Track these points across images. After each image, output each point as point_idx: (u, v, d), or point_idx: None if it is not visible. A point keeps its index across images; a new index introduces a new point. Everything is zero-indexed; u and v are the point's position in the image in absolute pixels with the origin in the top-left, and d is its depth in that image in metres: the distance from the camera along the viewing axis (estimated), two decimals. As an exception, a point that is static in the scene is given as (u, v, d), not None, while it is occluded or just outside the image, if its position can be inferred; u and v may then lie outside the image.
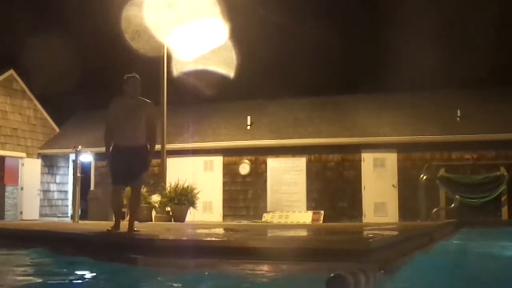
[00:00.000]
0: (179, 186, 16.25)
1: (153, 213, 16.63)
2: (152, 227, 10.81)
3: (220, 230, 9.37)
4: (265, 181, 20.37)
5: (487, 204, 17.97)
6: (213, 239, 6.41)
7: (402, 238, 7.36)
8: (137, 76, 8.39)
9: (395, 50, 26.33)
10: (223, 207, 20.60)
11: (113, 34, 23.53)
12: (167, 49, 17.84)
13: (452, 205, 16.77)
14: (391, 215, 18.92)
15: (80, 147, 15.23)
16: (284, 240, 6.29)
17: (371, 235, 6.97)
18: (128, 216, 8.55)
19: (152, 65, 18.22)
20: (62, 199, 23.71)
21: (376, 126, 19.98)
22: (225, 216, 20.48)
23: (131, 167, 8.12)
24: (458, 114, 19.68)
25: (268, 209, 20.00)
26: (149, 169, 8.69)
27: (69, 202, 22.93)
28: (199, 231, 8.83)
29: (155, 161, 19.39)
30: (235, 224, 15.24)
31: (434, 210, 16.01)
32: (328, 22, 26.45)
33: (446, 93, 21.54)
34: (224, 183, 20.74)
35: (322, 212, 19.21)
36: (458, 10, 28.54)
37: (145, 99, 8.40)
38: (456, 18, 28.95)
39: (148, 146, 8.29)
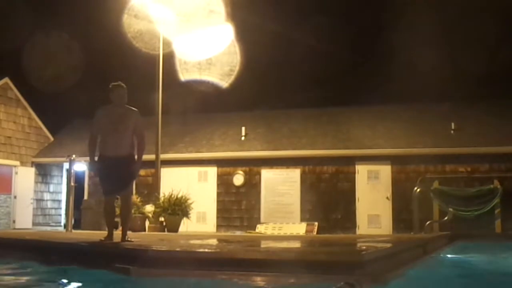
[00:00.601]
0: (173, 196, 16.21)
1: (147, 223, 16.59)
2: (145, 237, 10.77)
3: (213, 241, 9.36)
4: (259, 192, 20.35)
5: (480, 217, 17.98)
6: (206, 250, 6.39)
7: (396, 250, 7.35)
8: (123, 85, 8.34)
9: (390, 62, 26.45)
10: (217, 217, 20.56)
11: (109, 42, 23.59)
12: (163, 59, 17.83)
13: (446, 217, 16.77)
14: (385, 227, 18.93)
15: (74, 156, 15.19)
16: (277, 252, 6.28)
17: (364, 247, 6.97)
18: (121, 226, 8.49)
19: (148, 74, 18.25)
20: (55, 208, 23.63)
21: (370, 138, 20.03)
22: (218, 226, 20.44)
23: (119, 177, 8.08)
24: (452, 127, 19.76)
25: (262, 220, 19.97)
26: (136, 177, 8.69)
27: (63, 211, 22.85)
28: (192, 241, 8.80)
29: (149, 171, 19.47)
30: (229, 235, 15.20)
31: (428, 222, 16.01)
32: (323, 35, 26.54)
33: (440, 106, 21.64)
34: (218, 194, 20.71)
35: (316, 223, 19.18)
36: (452, 24, 28.72)
37: (131, 107, 8.34)
38: (450, 31, 29.11)
39: (136, 155, 8.27)
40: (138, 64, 20.49)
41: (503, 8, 25.00)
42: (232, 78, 19.85)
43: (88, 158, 8.43)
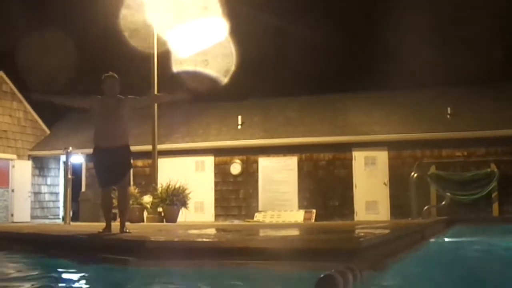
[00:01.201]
0: (170, 186, 16.24)
1: (145, 214, 16.61)
2: (144, 228, 10.79)
3: (212, 231, 9.37)
4: (257, 180, 20.38)
5: (478, 201, 18.06)
6: (205, 240, 6.41)
7: (393, 236, 7.38)
8: (115, 75, 8.32)
9: (385, 48, 26.41)
10: (215, 207, 20.60)
11: (105, 34, 23.50)
12: (158, 49, 17.78)
13: (443, 202, 16.83)
14: (383, 213, 18.98)
15: (70, 148, 15.18)
16: (275, 240, 6.30)
17: (362, 233, 6.99)
18: (118, 218, 8.49)
19: (144, 64, 18.20)
20: (53, 201, 23.64)
21: (366, 125, 20.03)
22: (217, 216, 20.48)
23: (114, 168, 8.07)
24: (448, 111, 19.77)
25: (260, 208, 20.01)
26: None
27: (60, 204, 22.86)
28: (190, 231, 8.82)
29: (146, 162, 19.49)
30: (227, 224, 15.24)
31: (425, 207, 16.06)
32: (318, 20, 26.48)
33: (436, 90, 21.64)
34: (216, 183, 20.74)
35: (314, 211, 19.23)
36: (448, 8, 28.65)
37: (121, 96, 8.32)
38: (446, 15, 29.05)
39: (158, 97, 8.89)
40: (133, 55, 20.40)
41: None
42: (229, 70, 19.82)
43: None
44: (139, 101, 8.62)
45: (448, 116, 19.69)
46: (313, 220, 18.83)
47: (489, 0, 26.16)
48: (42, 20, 25.07)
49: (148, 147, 17.61)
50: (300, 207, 19.69)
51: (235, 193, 20.61)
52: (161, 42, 17.86)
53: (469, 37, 27.59)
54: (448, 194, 17.17)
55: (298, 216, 19.12)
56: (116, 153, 8.05)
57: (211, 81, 20.32)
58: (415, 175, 16.47)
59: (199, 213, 20.02)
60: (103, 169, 8.11)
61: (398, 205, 18.55)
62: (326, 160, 19.87)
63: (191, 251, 5.58)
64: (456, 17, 28.74)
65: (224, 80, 19.83)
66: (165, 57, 18.65)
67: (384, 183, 19.15)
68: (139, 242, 6.21)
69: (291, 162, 20.13)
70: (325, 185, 19.69)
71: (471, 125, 18.92)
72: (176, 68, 19.25)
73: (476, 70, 24.43)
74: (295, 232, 8.83)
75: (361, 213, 19.19)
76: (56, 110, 22.45)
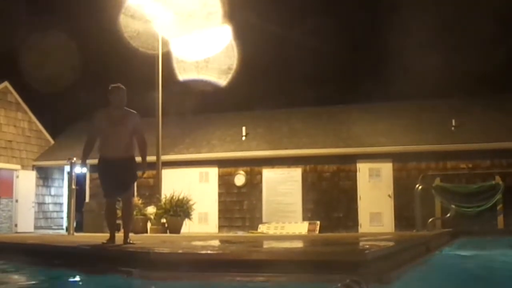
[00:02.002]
0: (174, 197, 16.21)
1: (149, 225, 16.57)
2: (147, 239, 10.76)
3: (216, 242, 9.34)
4: (261, 192, 20.33)
5: (482, 213, 17.97)
6: (209, 251, 6.37)
7: (399, 248, 7.33)
8: (122, 86, 8.31)
9: (390, 59, 26.41)
10: (219, 218, 20.55)
11: (108, 43, 23.56)
12: (163, 59, 17.80)
13: (448, 214, 16.73)
14: (387, 225, 18.90)
15: (75, 158, 15.17)
16: (280, 252, 6.26)
17: (367, 246, 6.95)
18: (122, 229, 8.48)
19: (148, 74, 18.23)
20: (57, 211, 23.62)
21: (371, 136, 19.99)
22: (220, 227, 20.43)
23: (120, 179, 8.08)
24: (453, 123, 19.72)
25: (264, 220, 19.95)
26: (137, 179, 8.62)
27: (64, 214, 22.84)
28: (194, 243, 8.79)
29: (150, 173, 19.38)
30: (231, 236, 15.19)
31: (430, 219, 15.98)
32: (323, 31, 26.52)
33: (441, 102, 21.60)
34: (220, 194, 20.70)
35: (318, 222, 19.17)
36: (453, 18, 28.69)
37: (130, 110, 8.33)
38: (450, 27, 29.08)
39: (141, 157, 8.31)
40: (137, 65, 20.47)
41: (500, 4, 24.97)
42: (231, 77, 19.82)
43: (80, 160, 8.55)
44: (138, 131, 8.40)
45: (453, 128, 19.65)
46: (317, 232, 18.76)
47: (495, 10, 26.17)
48: (45, 28, 25.13)
49: (152, 158, 17.56)
50: (304, 218, 19.63)
51: (239, 204, 20.56)
52: (165, 46, 17.85)
53: (475, 48, 27.61)
54: (453, 206, 17.08)
55: (302, 227, 19.06)
56: (121, 164, 8.05)
57: (215, 89, 20.33)
58: (420, 187, 16.40)
59: (203, 224, 19.97)
60: (109, 179, 8.13)
61: (402, 217, 18.48)
62: (331, 171, 19.83)
63: (196, 263, 5.56)
64: (461, 27, 28.76)
65: (226, 86, 19.80)
66: (168, 62, 18.65)
67: (389, 195, 19.08)
68: (143, 253, 6.18)
69: (295, 174, 20.09)
70: (330, 196, 19.63)
71: (476, 137, 18.87)
72: (181, 74, 19.27)
73: (481, 81, 24.44)
74: (299, 244, 8.79)
75: (365, 225, 19.11)
76: (61, 121, 22.53)
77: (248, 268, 5.36)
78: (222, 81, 20.09)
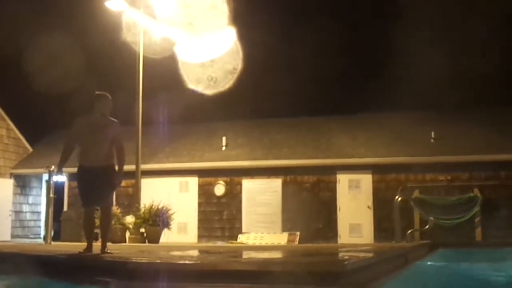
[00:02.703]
0: (153, 207, 16.11)
1: (127, 234, 16.44)
2: (125, 248, 10.66)
3: (194, 252, 9.28)
4: (241, 202, 20.30)
5: (461, 225, 18.07)
6: (187, 261, 6.33)
7: (377, 259, 7.33)
8: (108, 95, 8.27)
9: (369, 71, 26.57)
10: (198, 228, 20.46)
11: (92, 52, 23.45)
12: (143, 68, 17.70)
13: (427, 226, 16.83)
14: (366, 236, 18.95)
15: (53, 167, 15.00)
16: (259, 263, 6.23)
17: (346, 257, 6.94)
18: (100, 238, 8.40)
19: (128, 83, 18.15)
20: (34, 220, 23.35)
21: (351, 147, 20.07)
22: (200, 237, 20.34)
23: (98, 188, 7.99)
24: (432, 135, 19.86)
25: (244, 230, 19.90)
26: (116, 188, 8.58)
27: (42, 223, 22.56)
28: (173, 253, 8.72)
29: (129, 182, 19.30)
30: (210, 246, 15.12)
31: (409, 231, 16.05)
32: (303, 43, 26.62)
33: (421, 114, 21.73)
34: (199, 204, 20.63)
35: (298, 233, 19.15)
36: (434, 32, 28.93)
37: (112, 118, 8.26)
38: (430, 39, 29.32)
39: (117, 167, 8.20)
40: (117, 74, 20.36)
41: (487, 13, 25.30)
42: (212, 87, 19.76)
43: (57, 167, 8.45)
44: (118, 141, 8.29)
45: (432, 140, 19.79)
46: (296, 242, 18.74)
47: (475, 26, 26.46)
48: (28, 34, 24.95)
49: (132, 167, 17.47)
50: (284, 229, 19.60)
51: (219, 215, 20.50)
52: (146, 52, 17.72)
53: (454, 62, 27.84)
54: (432, 218, 17.19)
55: (281, 238, 19.03)
56: (100, 173, 7.98)
57: (197, 99, 20.24)
58: (399, 198, 16.48)
59: (182, 234, 19.85)
60: (87, 188, 8.05)
61: (381, 229, 18.54)
62: (310, 182, 19.85)
63: (173, 273, 5.51)
64: (440, 40, 29.02)
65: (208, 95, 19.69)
66: (151, 70, 18.57)
67: (368, 206, 19.14)
68: (121, 263, 6.11)
69: (275, 184, 20.08)
70: (309, 207, 19.63)
71: (454, 149, 19.01)
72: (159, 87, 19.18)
73: (460, 95, 24.64)
74: (278, 255, 8.77)
75: (344, 236, 19.14)
76: (39, 129, 22.32)
77: (226, 279, 5.33)
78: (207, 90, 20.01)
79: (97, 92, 8.27)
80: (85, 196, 8.09)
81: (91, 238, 8.18)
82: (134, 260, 6.24)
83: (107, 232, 8.42)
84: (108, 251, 7.94)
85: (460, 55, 27.24)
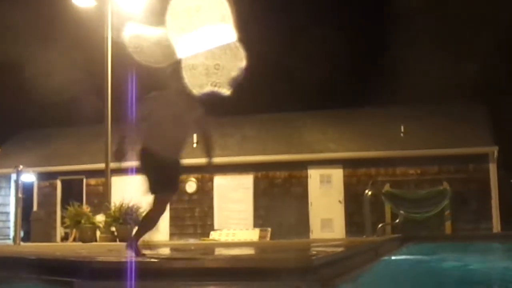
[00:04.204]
0: (123, 205, 15.98)
1: (98, 233, 16.31)
2: (95, 248, 10.56)
3: (164, 250, 9.21)
4: (212, 199, 20.24)
5: (431, 219, 18.25)
6: (156, 259, 6.26)
7: (347, 254, 7.35)
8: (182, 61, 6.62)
9: (339, 67, 26.66)
10: (170, 225, 20.33)
11: (58, 47, 23.14)
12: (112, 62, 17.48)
13: (397, 220, 16.96)
14: (338, 231, 19.02)
15: (21, 166, 14.84)
16: (227, 260, 6.20)
17: (315, 252, 6.94)
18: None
19: (99, 82, 17.94)
20: (3, 221, 22.98)
21: (322, 143, 20.13)
22: (172, 235, 20.23)
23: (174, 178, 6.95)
24: (402, 130, 19.99)
25: (216, 227, 19.85)
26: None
27: (11, 224, 22.25)
28: (142, 251, 8.63)
29: (99, 180, 19.18)
30: (181, 244, 15.05)
31: (380, 225, 16.15)
32: (273, 38, 26.60)
33: (390, 109, 21.87)
34: (171, 201, 20.46)
35: (269, 229, 19.16)
36: (401, 29, 29.12)
37: (191, 96, 6.62)
38: (399, 35, 29.51)
39: (207, 154, 7.08)
40: (87, 72, 20.12)
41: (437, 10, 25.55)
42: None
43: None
44: (203, 125, 6.89)
45: (402, 135, 19.91)
46: (268, 239, 18.74)
47: (444, 22, 26.70)
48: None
49: (101, 165, 17.32)
50: (255, 225, 19.60)
51: (191, 212, 20.43)
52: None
53: (422, 58, 28.06)
54: (402, 212, 17.33)
55: (253, 234, 19.02)
56: (173, 166, 6.89)
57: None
58: (370, 193, 16.56)
59: (154, 232, 19.68)
60: (164, 171, 6.80)
61: (353, 223, 18.62)
62: (282, 178, 19.88)
63: (141, 271, 5.43)
64: (409, 37, 29.22)
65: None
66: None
67: (339, 201, 19.21)
68: (86, 262, 6.02)
69: (246, 181, 20.05)
70: (281, 203, 19.65)
71: (424, 143, 19.18)
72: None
73: (429, 89, 24.87)
74: (249, 251, 8.75)
75: (316, 231, 19.19)
76: (7, 129, 21.99)
77: (195, 276, 5.28)
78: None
79: (171, 64, 6.69)
80: (163, 181, 6.84)
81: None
82: (99, 259, 6.16)
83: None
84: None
85: (426, 50, 27.48)
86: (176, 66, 6.56)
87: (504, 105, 24.40)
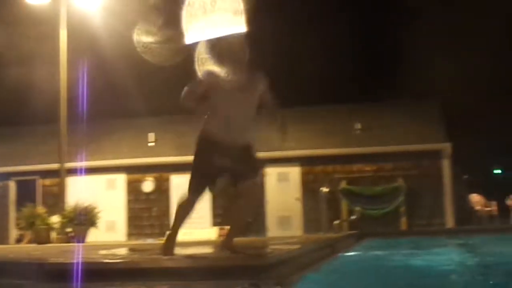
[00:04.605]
0: (79, 206, 15.77)
1: (53, 234, 16.06)
2: (49, 249, 10.38)
3: (119, 250, 9.11)
4: (170, 198, 20.11)
5: (386, 215, 18.50)
6: (108, 260, 6.18)
7: (303, 251, 7.38)
8: (243, 35, 5.76)
9: (295, 65, 26.76)
10: (128, 226, 20.18)
11: (9, 45, 22.63)
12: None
13: (353, 216, 17.13)
14: (295, 228, 19.12)
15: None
16: (182, 259, 6.16)
17: (270, 250, 6.95)
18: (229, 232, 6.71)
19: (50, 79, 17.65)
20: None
21: (279, 141, 20.15)
22: (130, 235, 20.09)
23: (238, 164, 5.95)
24: (358, 127, 20.20)
25: (173, 226, 19.71)
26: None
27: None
28: (97, 252, 8.53)
29: (54, 180, 18.87)
30: (138, 244, 14.92)
31: (336, 222, 16.29)
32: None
33: (346, 106, 22.07)
34: (128, 201, 20.33)
35: (228, 227, 19.10)
36: (359, 27, 29.40)
37: (255, 69, 5.94)
38: (357, 32, 29.80)
39: (282, 129, 6.45)
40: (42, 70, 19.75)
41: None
42: (139, 82, 19.49)
43: None
44: (268, 97, 6.10)
45: (358, 132, 20.13)
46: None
47: (391, 24, 27.02)
48: None
49: (56, 166, 17.05)
50: (214, 224, 19.55)
51: (148, 211, 20.28)
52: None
53: (376, 56, 28.40)
54: (358, 208, 17.51)
55: (211, 233, 18.95)
56: (246, 151, 6.10)
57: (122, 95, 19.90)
58: (325, 190, 16.70)
59: (111, 233, 19.53)
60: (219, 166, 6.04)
61: (310, 220, 18.74)
62: (239, 176, 19.86)
63: (93, 273, 5.36)
64: (365, 35, 29.52)
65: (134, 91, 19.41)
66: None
67: (297, 199, 19.30)
68: (36, 264, 5.90)
69: (204, 179, 19.96)
70: (239, 201, 19.62)
71: (379, 140, 19.44)
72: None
73: (383, 87, 25.16)
74: (205, 250, 8.71)
75: (273, 229, 19.25)
76: None
77: (148, 277, 5.23)
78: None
79: (227, 36, 5.72)
80: (203, 177, 6.19)
81: (177, 231, 6.57)
82: (50, 261, 6.05)
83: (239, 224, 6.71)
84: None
85: (381, 48, 27.80)
86: (237, 36, 5.75)
87: (457, 101, 24.88)
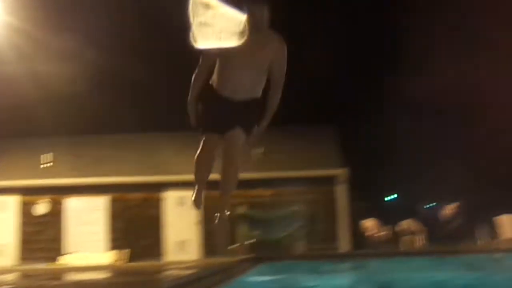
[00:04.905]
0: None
1: None
2: None
3: (5, 277, 8.76)
4: (65, 221, 19.56)
5: (284, 239, 18.73)
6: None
7: (197, 276, 7.36)
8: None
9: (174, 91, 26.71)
10: (21, 249, 19.40)
11: None
12: None
13: (251, 241, 17.26)
14: (194, 252, 19.02)
15: None
16: (71, 286, 6.00)
17: (166, 275, 6.89)
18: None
19: None
20: None
21: (178, 165, 20.07)
22: (22, 259, 19.28)
23: (239, 115, 5.76)
24: (259, 151, 20.41)
25: (68, 250, 19.17)
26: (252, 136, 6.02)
27: None
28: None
29: None
30: (28, 269, 14.39)
31: (233, 246, 16.35)
32: (136, 61, 26.23)
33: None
34: (19, 224, 19.58)
35: (124, 251, 18.80)
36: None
37: (272, 33, 5.68)
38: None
39: (266, 111, 6.01)
40: None
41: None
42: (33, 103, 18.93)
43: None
44: (278, 71, 5.87)
45: (259, 156, 20.33)
46: (123, 261, 18.36)
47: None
48: None
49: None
50: (111, 248, 19.16)
51: (41, 235, 19.60)
52: None
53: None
54: (257, 232, 17.65)
55: (107, 257, 18.56)
56: (239, 106, 5.76)
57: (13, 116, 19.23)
58: (222, 214, 16.72)
59: (0, 257, 18.72)
60: (213, 108, 5.87)
61: (209, 245, 18.71)
62: (137, 199, 19.63)
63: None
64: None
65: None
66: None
67: (196, 223, 19.24)
68: None
69: (101, 202, 19.60)
70: (136, 225, 19.38)
71: (278, 165, 19.72)
72: None
73: (286, 112, 25.57)
74: (100, 276, 8.53)
75: (172, 253, 19.07)
76: None
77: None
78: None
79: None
80: (211, 118, 5.90)
81: (203, 184, 6.30)
82: None
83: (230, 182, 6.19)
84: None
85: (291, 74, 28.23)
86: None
87: (352, 126, 25.64)
